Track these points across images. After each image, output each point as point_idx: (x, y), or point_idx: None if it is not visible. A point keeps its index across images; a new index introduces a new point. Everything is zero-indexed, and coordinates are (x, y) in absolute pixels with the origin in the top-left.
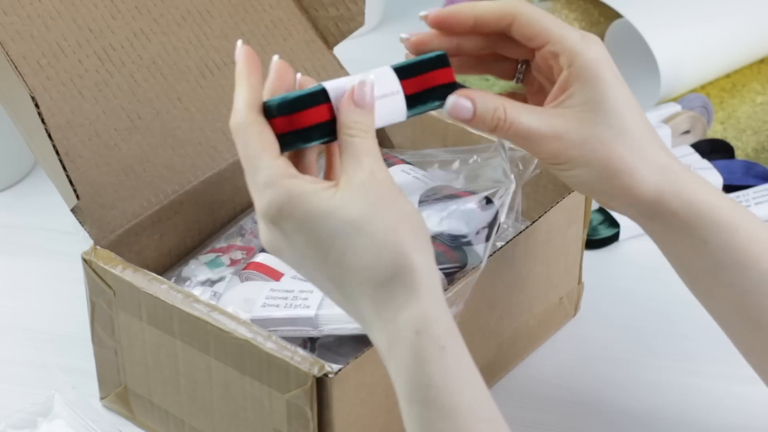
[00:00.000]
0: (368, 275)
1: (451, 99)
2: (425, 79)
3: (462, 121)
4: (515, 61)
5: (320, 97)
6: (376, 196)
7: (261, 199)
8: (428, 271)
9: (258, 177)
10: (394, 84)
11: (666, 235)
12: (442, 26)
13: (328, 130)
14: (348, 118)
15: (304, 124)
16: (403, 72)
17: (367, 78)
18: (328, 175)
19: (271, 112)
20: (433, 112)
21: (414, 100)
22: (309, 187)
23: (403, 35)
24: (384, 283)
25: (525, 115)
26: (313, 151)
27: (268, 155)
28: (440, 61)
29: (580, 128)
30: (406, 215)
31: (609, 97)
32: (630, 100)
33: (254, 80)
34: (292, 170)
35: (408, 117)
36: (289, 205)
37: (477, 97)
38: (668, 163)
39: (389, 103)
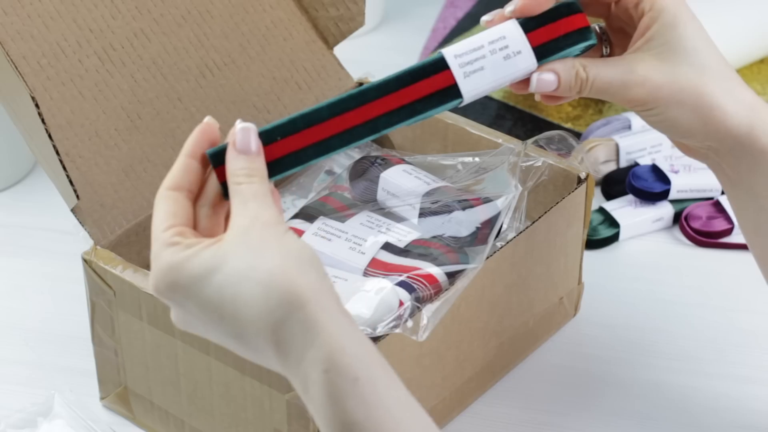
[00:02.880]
0: (264, 322)
1: (534, 77)
2: (555, 28)
3: (548, 95)
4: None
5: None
6: (258, 240)
7: (150, 276)
8: (323, 300)
9: (151, 251)
10: (518, 40)
11: (751, 172)
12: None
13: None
14: (233, 165)
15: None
16: (530, 24)
17: (247, 125)
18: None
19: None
20: None
21: (545, 51)
22: (186, 253)
23: (486, 18)
24: (280, 325)
25: (606, 69)
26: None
27: (157, 228)
28: (568, 9)
29: (664, 69)
30: (289, 252)
31: (689, 36)
32: (710, 40)
33: (187, 161)
34: (176, 238)
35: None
36: (170, 276)
37: (557, 66)
38: (755, 101)
39: (513, 63)
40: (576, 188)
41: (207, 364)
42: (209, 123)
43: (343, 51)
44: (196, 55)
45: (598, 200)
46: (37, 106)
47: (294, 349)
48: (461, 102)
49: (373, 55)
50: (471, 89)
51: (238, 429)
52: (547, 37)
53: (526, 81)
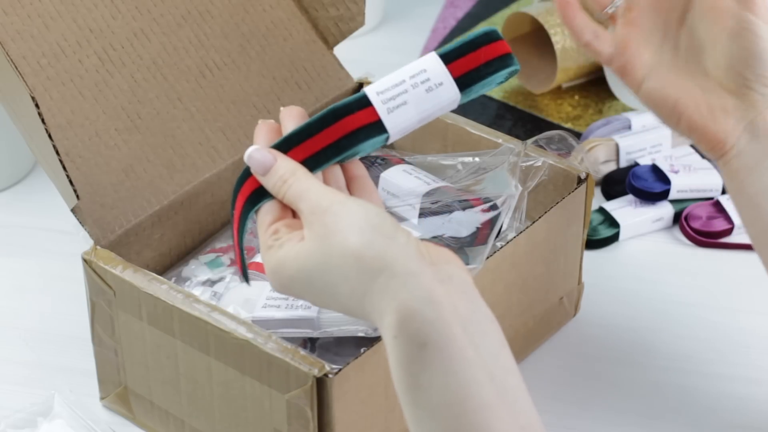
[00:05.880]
0: (354, 301)
1: None
2: (475, 57)
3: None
4: None
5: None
6: (322, 230)
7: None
8: (395, 266)
9: None
10: (439, 72)
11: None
12: None
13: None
14: (268, 186)
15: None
16: (450, 56)
17: (248, 152)
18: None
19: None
20: None
21: (467, 80)
22: (278, 255)
23: None
24: (363, 301)
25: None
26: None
27: (260, 227)
28: (487, 37)
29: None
30: (350, 229)
31: None
32: None
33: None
34: (270, 240)
35: (464, 101)
36: (273, 277)
37: None
38: None
39: (436, 95)
40: (576, 188)
41: (207, 364)
42: (263, 122)
43: (343, 51)
44: (196, 55)
45: (598, 200)
46: (37, 106)
47: (376, 318)
48: (388, 138)
49: (373, 55)
50: (396, 124)
51: (238, 429)
52: (468, 66)
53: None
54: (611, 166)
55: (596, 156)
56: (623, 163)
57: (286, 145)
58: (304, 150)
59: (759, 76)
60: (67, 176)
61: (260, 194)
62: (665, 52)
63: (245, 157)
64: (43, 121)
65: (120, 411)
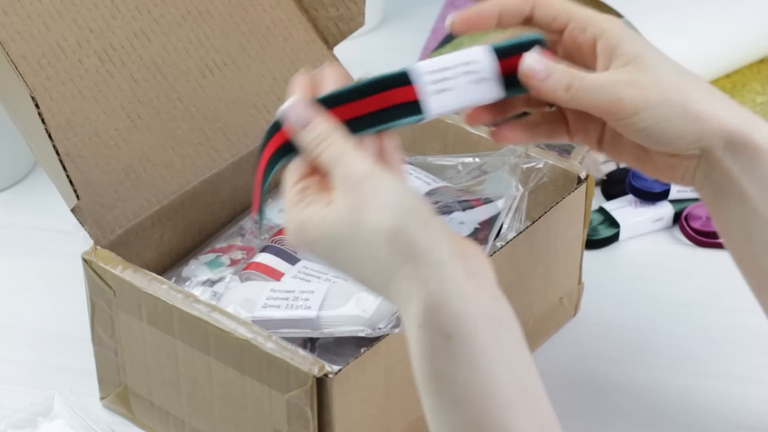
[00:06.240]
0: (378, 279)
1: (527, 57)
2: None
3: (535, 83)
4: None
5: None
6: (356, 202)
7: (286, 230)
8: (427, 255)
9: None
10: (488, 67)
11: (745, 171)
12: (468, 28)
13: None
14: (303, 143)
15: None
16: (501, 53)
17: (292, 101)
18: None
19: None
20: None
21: (513, 82)
22: (305, 213)
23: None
24: (388, 283)
25: (592, 75)
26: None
27: (287, 184)
28: (538, 43)
29: (649, 74)
30: (387, 203)
31: (652, 51)
32: (669, 58)
33: None
34: (298, 196)
35: (505, 96)
36: (296, 235)
37: (546, 60)
38: (733, 102)
39: (480, 89)
40: (576, 188)
41: (207, 364)
42: (303, 75)
43: (343, 51)
44: (196, 55)
45: (598, 200)
46: (37, 106)
47: (401, 303)
48: (422, 119)
49: (373, 55)
50: (434, 108)
51: (238, 429)
52: (517, 67)
53: (484, 109)
54: (611, 166)
55: (596, 156)
56: (623, 163)
57: (329, 102)
58: (345, 112)
59: (676, 150)
60: (67, 176)
61: (289, 149)
62: (607, 130)
63: (283, 108)
64: (43, 121)
65: (120, 411)
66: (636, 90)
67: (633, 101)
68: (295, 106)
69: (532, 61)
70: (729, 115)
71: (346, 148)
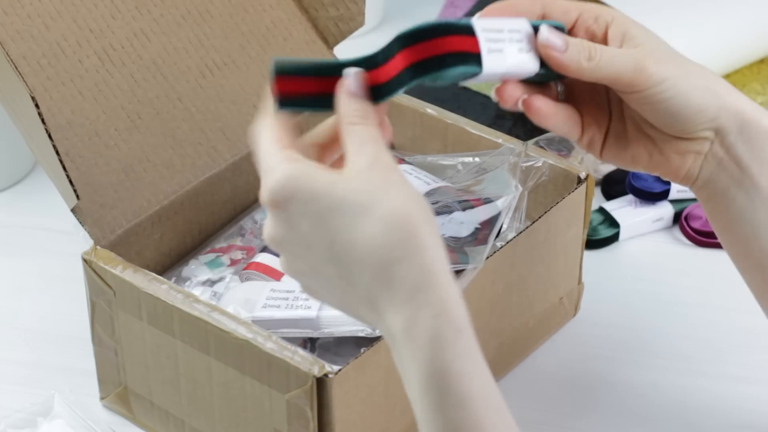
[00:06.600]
0: (378, 255)
1: (544, 28)
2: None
3: (556, 54)
4: None
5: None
6: (381, 179)
7: (266, 184)
8: (439, 253)
9: (264, 165)
10: (530, 38)
11: (758, 157)
12: None
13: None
14: (348, 107)
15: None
16: (536, 29)
17: (358, 70)
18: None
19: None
20: (432, 112)
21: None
22: (312, 168)
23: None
24: (395, 263)
25: (612, 48)
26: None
27: (273, 146)
28: (563, 31)
29: (663, 48)
30: (413, 197)
31: (662, 40)
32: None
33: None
34: (296, 155)
35: (539, 72)
36: (292, 185)
37: (566, 36)
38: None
39: (523, 59)
40: (576, 188)
41: (207, 364)
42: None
43: (343, 51)
44: (196, 55)
45: (598, 200)
46: (37, 106)
47: (404, 287)
48: (477, 74)
49: None
50: (489, 66)
51: (238, 429)
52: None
53: (516, 85)
54: (611, 166)
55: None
56: (624, 165)
57: (402, 41)
58: (413, 54)
59: (694, 128)
60: (67, 176)
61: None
62: (614, 124)
63: (356, 71)
64: (43, 121)
65: (120, 411)
66: (658, 60)
67: (657, 70)
68: (360, 76)
69: (549, 33)
70: (741, 97)
71: (381, 137)
